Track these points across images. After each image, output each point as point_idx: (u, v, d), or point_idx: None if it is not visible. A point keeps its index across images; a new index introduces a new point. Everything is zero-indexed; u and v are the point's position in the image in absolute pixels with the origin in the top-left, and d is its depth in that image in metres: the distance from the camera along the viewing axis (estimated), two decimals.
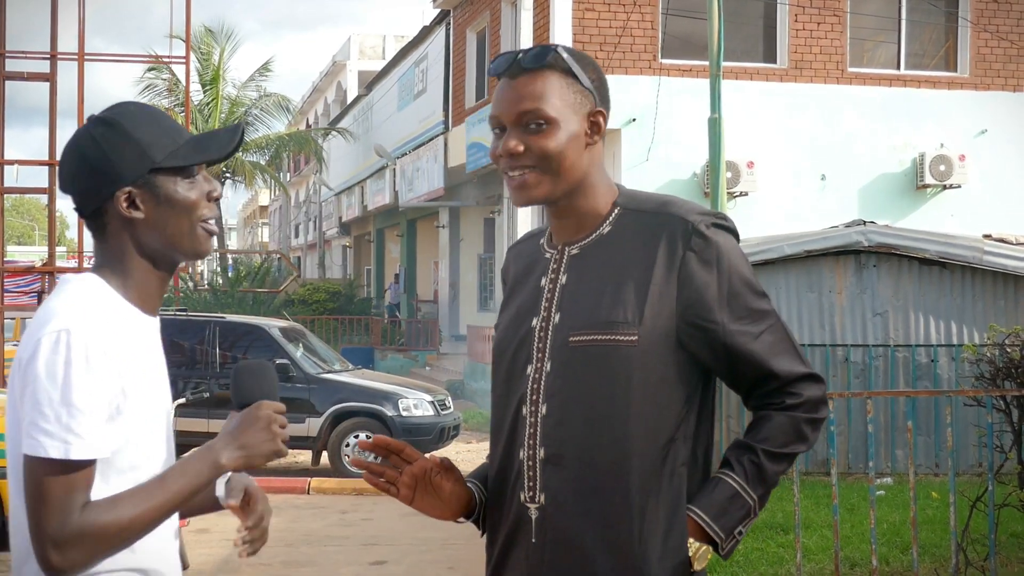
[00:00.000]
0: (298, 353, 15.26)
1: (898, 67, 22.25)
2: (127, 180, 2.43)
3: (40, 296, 14.95)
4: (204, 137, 2.52)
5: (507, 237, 25.12)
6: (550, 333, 2.68)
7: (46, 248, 15.00)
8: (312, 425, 14.55)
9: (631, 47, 20.97)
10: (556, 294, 2.71)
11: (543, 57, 2.64)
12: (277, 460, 14.44)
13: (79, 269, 15.95)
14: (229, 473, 2.60)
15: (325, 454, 14.78)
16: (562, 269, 2.73)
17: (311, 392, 14.66)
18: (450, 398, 16.10)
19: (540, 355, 2.69)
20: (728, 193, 18.11)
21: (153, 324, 2.53)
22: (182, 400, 10.70)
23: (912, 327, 12.85)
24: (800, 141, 21.02)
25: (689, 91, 19.76)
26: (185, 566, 9.52)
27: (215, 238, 2.59)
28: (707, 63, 15.21)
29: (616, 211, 2.71)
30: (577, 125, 2.65)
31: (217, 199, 2.52)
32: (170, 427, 2.56)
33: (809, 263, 12.78)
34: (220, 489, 2.69)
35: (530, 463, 2.67)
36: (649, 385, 2.60)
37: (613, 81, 19.53)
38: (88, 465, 2.27)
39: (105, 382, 2.28)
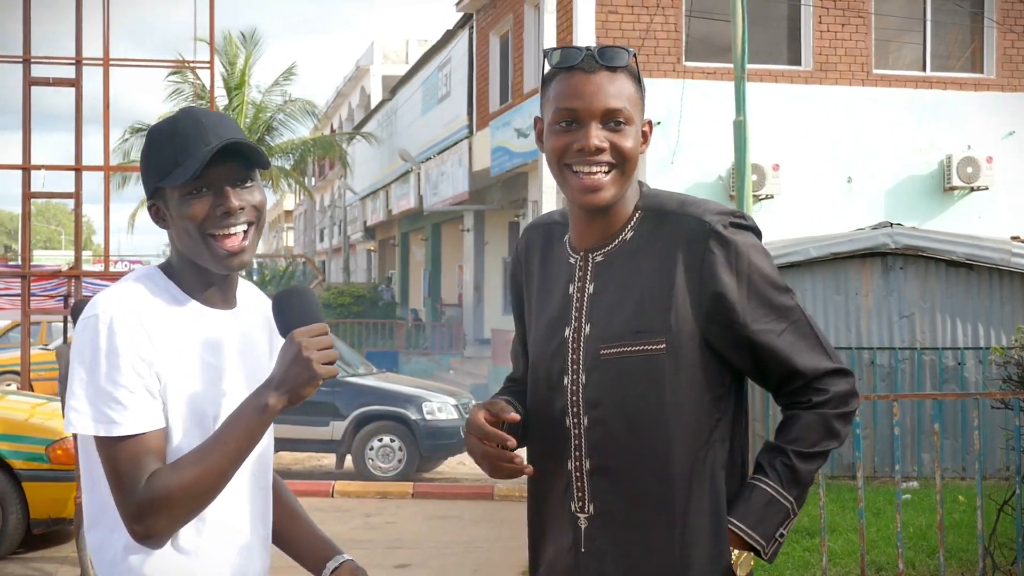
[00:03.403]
0: None
1: (923, 69, 22.14)
2: (148, 193, 2.57)
3: (66, 300, 14.99)
4: (203, 154, 2.46)
5: None
6: (582, 344, 2.69)
7: (72, 253, 15.04)
8: (336, 428, 14.55)
9: (655, 50, 20.93)
10: (585, 304, 2.71)
11: (624, 58, 2.65)
12: (305, 453, 14.25)
13: (105, 273, 16.01)
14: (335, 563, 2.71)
15: (349, 457, 14.78)
16: (588, 277, 2.72)
17: (335, 395, 14.65)
18: (474, 401, 16.06)
19: (575, 367, 2.69)
20: (754, 196, 18.03)
21: (223, 316, 2.58)
22: None
23: (939, 329, 12.77)
24: (825, 143, 20.93)
25: (713, 94, 19.70)
26: None
27: (244, 253, 2.53)
28: (731, 65, 15.17)
29: (637, 215, 2.71)
30: (640, 131, 2.69)
31: (226, 213, 2.49)
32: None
33: (835, 265, 12.72)
34: None
35: (578, 474, 2.68)
36: (682, 390, 2.61)
37: None
38: (140, 437, 2.37)
39: (131, 365, 2.37)
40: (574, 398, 2.68)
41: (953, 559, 8.26)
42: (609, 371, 2.63)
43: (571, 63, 2.66)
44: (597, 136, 2.61)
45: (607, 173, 2.62)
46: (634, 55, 2.66)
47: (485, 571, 9.59)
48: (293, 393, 2.41)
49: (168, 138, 2.51)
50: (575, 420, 2.68)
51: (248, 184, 2.54)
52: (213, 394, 2.50)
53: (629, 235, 2.69)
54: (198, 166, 2.44)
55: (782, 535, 2.66)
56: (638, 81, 2.68)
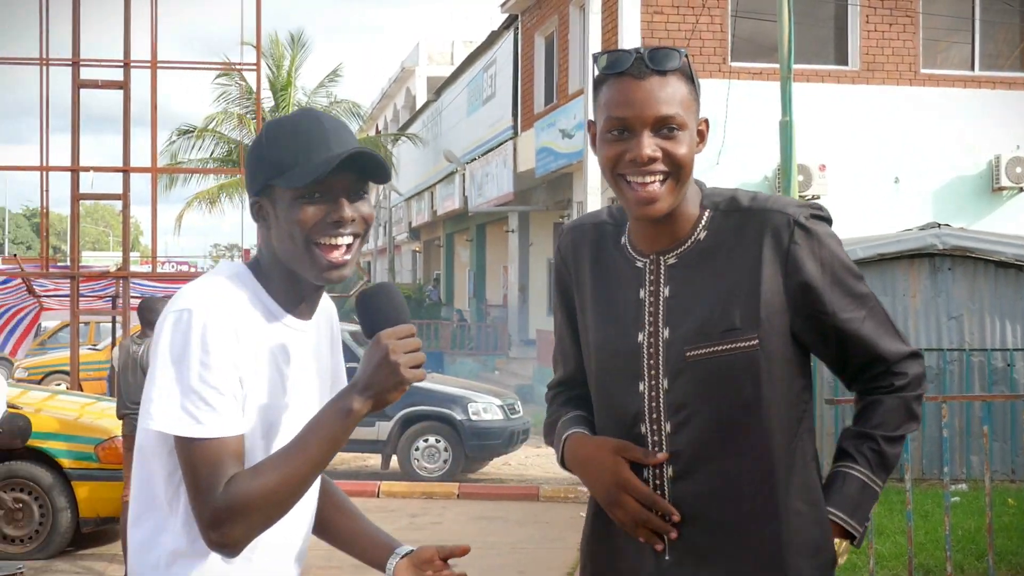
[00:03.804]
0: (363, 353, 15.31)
1: (972, 68, 21.96)
2: (254, 190, 2.44)
3: (114, 300, 15.11)
4: (327, 159, 2.37)
5: None
6: (662, 349, 2.62)
7: (120, 254, 15.16)
8: (382, 429, 14.59)
9: (700, 50, 20.86)
10: (660, 307, 2.64)
11: (676, 60, 2.56)
12: (351, 453, 14.31)
13: (153, 274, 16.12)
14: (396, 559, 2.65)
15: (395, 458, 14.82)
16: (662, 281, 2.65)
17: None
18: (519, 402, 16.07)
19: (653, 372, 2.63)
20: (800, 196, 17.95)
21: (303, 327, 2.49)
22: None
23: (988, 331, 12.66)
24: (872, 144, 20.79)
25: (760, 94, 19.60)
26: None
27: (346, 266, 2.43)
28: (777, 66, 15.09)
29: (707, 213, 2.66)
30: (695, 133, 2.62)
31: (337, 223, 2.39)
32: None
33: (883, 266, 12.63)
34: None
35: (657, 482, 2.62)
36: (777, 384, 2.59)
37: None
38: (223, 440, 2.28)
39: (223, 366, 2.29)
40: (653, 404, 2.63)
41: (1003, 562, 8.19)
42: (697, 373, 2.58)
43: (620, 68, 2.57)
44: (649, 145, 2.53)
45: (662, 183, 2.55)
46: (686, 55, 2.58)
47: (531, 572, 9.59)
48: (379, 398, 2.34)
49: (289, 136, 2.40)
50: (653, 427, 2.63)
51: (363, 196, 2.44)
52: (282, 407, 2.44)
53: (703, 235, 2.64)
54: (324, 170, 2.34)
55: (868, 519, 2.70)
56: (692, 81, 2.60)
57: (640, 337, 2.65)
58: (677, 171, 2.56)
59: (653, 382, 2.63)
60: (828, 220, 2.66)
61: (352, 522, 2.79)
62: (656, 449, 2.62)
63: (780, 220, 2.58)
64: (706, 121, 2.68)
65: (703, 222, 2.65)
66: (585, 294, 2.79)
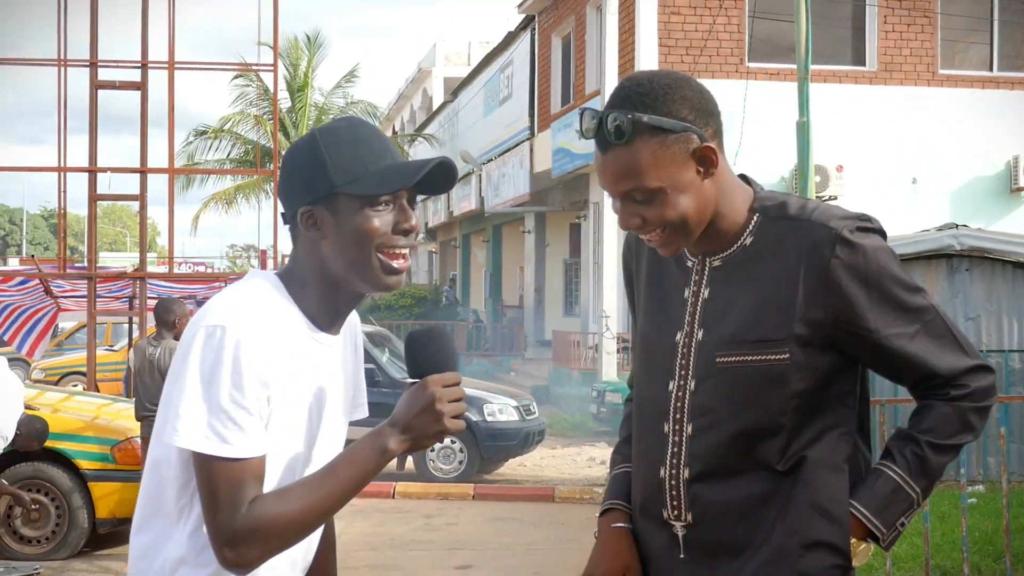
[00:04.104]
0: (384, 358, 15.32)
1: (990, 68, 21.91)
2: (307, 198, 2.39)
3: (131, 301, 15.14)
4: (400, 167, 2.39)
5: (593, 242, 25.07)
6: (694, 350, 2.61)
7: (137, 255, 15.18)
8: None
9: (717, 51, 20.85)
10: (699, 309, 2.63)
11: (623, 132, 2.45)
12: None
13: (170, 275, 16.16)
14: None
15: (410, 459, 14.82)
16: (704, 282, 2.64)
17: (396, 397, 14.63)
18: (535, 403, 16.05)
19: (683, 372, 2.63)
20: (817, 197, 17.91)
21: (332, 342, 2.47)
22: None
23: (1005, 332, 12.62)
24: (890, 144, 20.75)
25: (777, 95, 19.58)
26: None
27: (405, 273, 2.45)
28: (795, 66, 15.07)
29: (756, 219, 2.61)
30: (686, 175, 2.50)
31: (406, 231, 2.40)
32: (317, 456, 2.48)
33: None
34: None
35: (673, 482, 2.62)
36: (805, 395, 2.55)
37: None
38: (248, 461, 2.26)
39: (254, 386, 2.26)
40: (678, 404, 2.62)
41: (1020, 564, 8.16)
42: (725, 379, 2.57)
43: (589, 136, 2.53)
44: (626, 215, 2.53)
45: (662, 232, 2.54)
46: (633, 116, 2.45)
47: (546, 573, 9.58)
48: (417, 442, 2.34)
49: (351, 143, 2.38)
50: (676, 427, 2.63)
51: (416, 204, 2.46)
52: (312, 424, 2.43)
53: (748, 240, 2.60)
54: (411, 178, 2.36)
55: (903, 523, 2.60)
56: (663, 130, 2.47)
57: (678, 336, 2.65)
58: (669, 225, 2.53)
59: (682, 382, 2.62)
60: (879, 232, 2.58)
61: (327, 553, 2.78)
62: (675, 450, 2.62)
63: (823, 234, 2.52)
64: (709, 146, 2.52)
65: (751, 227, 2.61)
66: (640, 285, 2.80)
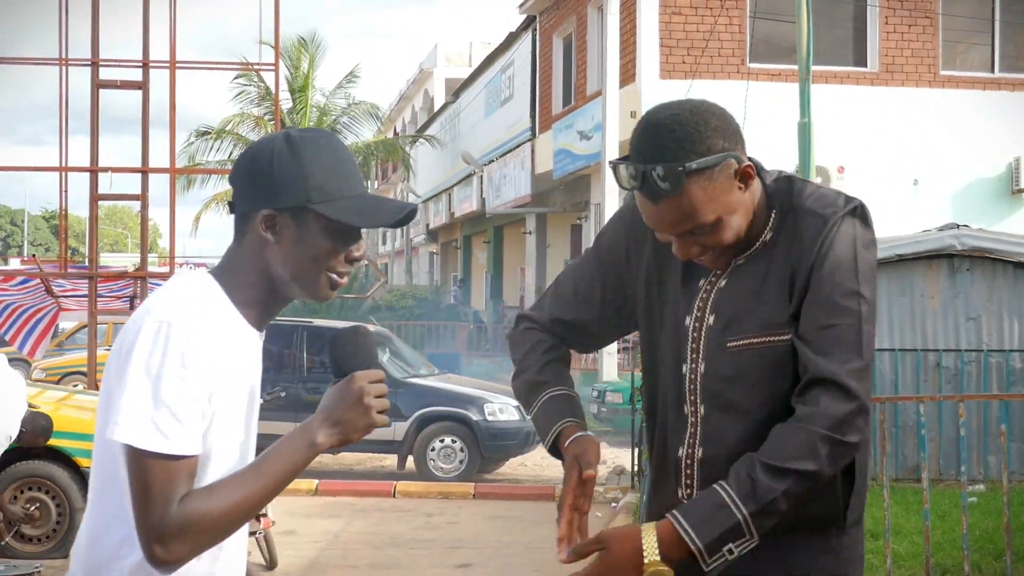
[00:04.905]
0: (384, 358, 15.32)
1: (992, 70, 21.91)
2: (275, 203, 2.39)
3: (132, 301, 15.13)
4: (371, 202, 2.44)
5: None
6: (703, 334, 2.68)
7: (138, 255, 15.17)
8: (398, 429, 14.59)
9: (719, 51, 20.85)
10: (712, 295, 2.70)
11: (677, 185, 2.50)
12: (367, 453, 14.34)
13: (170, 275, 16.13)
14: None
15: (411, 458, 14.82)
16: (724, 275, 2.71)
17: (397, 396, 14.67)
18: None
19: (695, 355, 2.69)
20: None
21: (256, 337, 2.49)
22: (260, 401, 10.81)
23: (1006, 332, 12.61)
24: (891, 146, 20.75)
25: (778, 95, 19.58)
26: (273, 566, 9.57)
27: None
28: (796, 67, 15.08)
29: (774, 215, 2.68)
30: (734, 197, 2.58)
31: (356, 259, 2.46)
32: (248, 449, 2.50)
33: (901, 267, 12.59)
34: None
35: (688, 461, 2.70)
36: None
37: (700, 86, 19.25)
38: (185, 459, 2.26)
39: (198, 383, 2.27)
40: (691, 386, 2.69)
41: (1021, 562, 8.15)
42: (731, 363, 2.63)
43: (633, 188, 2.59)
44: (683, 248, 2.62)
45: (717, 251, 2.64)
46: (685, 168, 2.50)
47: (546, 571, 9.58)
48: (346, 435, 2.37)
49: (331, 162, 2.41)
50: (692, 408, 2.70)
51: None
52: (242, 418, 2.44)
53: (768, 236, 2.68)
54: (388, 220, 2.43)
55: (731, 551, 2.45)
56: (708, 167, 2.53)
57: (688, 321, 2.71)
58: (727, 247, 2.63)
59: (693, 365, 2.69)
60: (861, 217, 2.63)
61: None
62: (692, 430, 2.69)
63: (814, 222, 2.60)
64: (749, 165, 2.60)
65: (771, 223, 2.68)
66: (640, 268, 2.85)
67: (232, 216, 2.46)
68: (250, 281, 2.43)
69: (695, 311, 2.70)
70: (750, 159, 2.66)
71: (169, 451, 2.23)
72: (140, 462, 2.24)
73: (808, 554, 2.66)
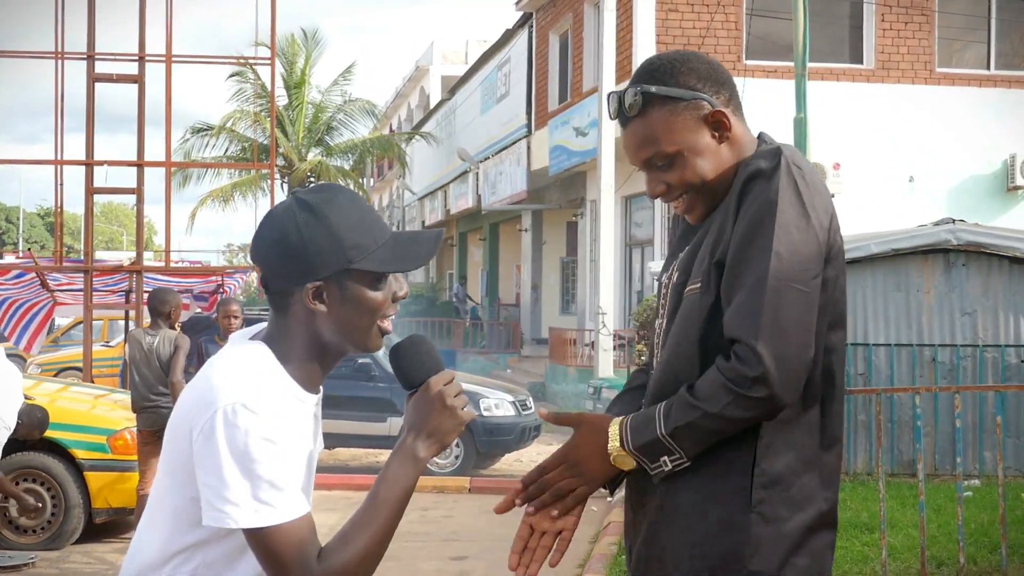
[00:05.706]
0: (380, 353, 15.32)
1: (988, 67, 21.93)
2: (318, 276, 2.38)
3: (128, 295, 15.12)
4: (405, 243, 2.45)
5: (590, 240, 25.08)
6: (670, 290, 2.75)
7: (133, 252, 15.16)
8: (394, 424, 14.57)
9: (715, 48, 20.85)
10: (684, 254, 2.75)
11: (636, 105, 2.67)
12: (364, 449, 14.28)
13: (166, 269, 16.14)
14: None
15: None
16: (698, 233, 2.75)
17: (392, 392, 14.65)
18: (531, 398, 16.04)
19: (663, 311, 2.79)
20: None
21: (312, 401, 2.49)
22: None
23: (1002, 327, 12.62)
24: (887, 142, 20.78)
25: (774, 92, 19.59)
26: None
27: None
28: (792, 64, 15.08)
29: (735, 173, 2.68)
30: (701, 139, 2.67)
31: (403, 298, 2.49)
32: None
33: (897, 262, 12.60)
34: None
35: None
36: (715, 334, 2.58)
37: None
38: (299, 519, 2.29)
39: (283, 452, 2.29)
40: (659, 340, 2.78)
41: (1016, 555, 8.16)
42: (677, 313, 2.69)
43: (613, 117, 2.76)
44: (651, 183, 2.74)
45: (686, 197, 2.71)
46: (641, 89, 2.66)
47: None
48: (441, 442, 2.45)
49: (357, 216, 2.41)
50: (659, 360, 2.77)
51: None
52: (306, 485, 2.48)
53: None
54: (425, 258, 2.45)
55: (666, 463, 2.56)
56: (672, 98, 2.65)
57: (663, 277, 2.84)
58: (692, 188, 2.69)
59: (661, 320, 2.78)
60: (789, 162, 2.57)
61: None
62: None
63: (743, 172, 2.62)
64: (721, 111, 2.66)
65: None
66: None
67: (266, 292, 2.46)
68: (303, 350, 2.43)
69: (670, 269, 2.80)
70: (760, 136, 2.75)
71: (281, 520, 2.27)
72: (263, 540, 2.27)
73: (711, 504, 2.59)
